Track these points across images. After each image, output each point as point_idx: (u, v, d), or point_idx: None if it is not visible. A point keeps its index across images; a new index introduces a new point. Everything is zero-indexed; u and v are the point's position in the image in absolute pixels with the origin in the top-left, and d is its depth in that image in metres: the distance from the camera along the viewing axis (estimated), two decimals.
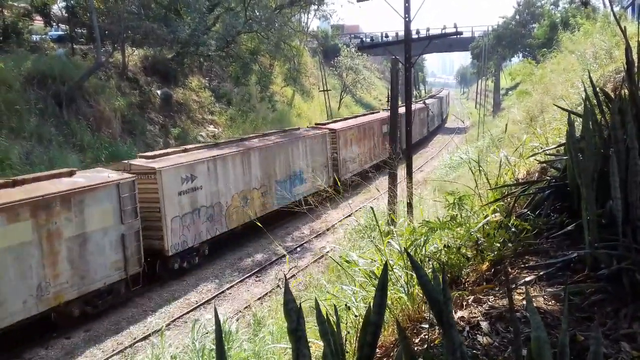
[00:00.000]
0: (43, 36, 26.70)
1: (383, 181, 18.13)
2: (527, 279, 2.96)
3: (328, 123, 30.01)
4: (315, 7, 41.83)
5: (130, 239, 14.44)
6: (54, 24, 29.04)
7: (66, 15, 27.48)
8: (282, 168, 22.15)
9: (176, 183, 16.11)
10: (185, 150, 18.00)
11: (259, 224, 7.78)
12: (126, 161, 16.26)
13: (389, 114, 34.20)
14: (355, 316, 3.63)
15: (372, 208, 5.06)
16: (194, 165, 16.95)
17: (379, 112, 41.26)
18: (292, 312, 1.78)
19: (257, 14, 29.94)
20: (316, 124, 30.58)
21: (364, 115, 38.37)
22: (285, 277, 2.24)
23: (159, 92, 28.15)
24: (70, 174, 13.86)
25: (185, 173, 16.48)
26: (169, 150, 18.61)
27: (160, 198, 15.53)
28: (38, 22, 28.24)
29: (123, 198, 14.14)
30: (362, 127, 31.83)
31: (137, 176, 15.07)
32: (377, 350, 2.97)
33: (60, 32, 28.42)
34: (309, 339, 1.83)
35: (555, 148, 4.58)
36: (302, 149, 23.95)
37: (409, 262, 3.54)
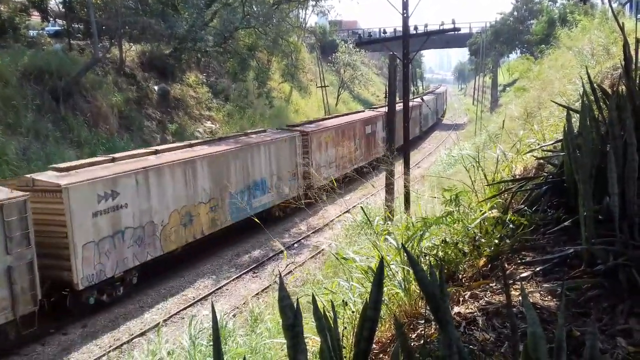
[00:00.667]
0: (40, 31, 26.61)
1: (381, 177, 18.13)
2: (524, 274, 2.96)
3: (302, 124, 27.64)
4: (313, 2, 41.87)
5: (20, 272, 11.75)
6: (51, 19, 28.96)
7: (63, 10, 27.38)
8: (238, 177, 19.35)
9: (90, 202, 13.42)
10: (112, 160, 15.34)
11: (257, 221, 7.75)
12: (30, 175, 13.63)
13: (384, 110, 33.24)
14: (352, 312, 3.64)
15: (362, 208, 5.07)
16: (117, 179, 14.23)
17: (363, 111, 38.79)
18: (287, 308, 1.78)
19: (255, 9, 29.90)
20: (287, 125, 27.74)
21: (346, 115, 35.21)
22: (280, 273, 2.23)
23: (156, 87, 28.08)
24: None
25: (103, 189, 13.81)
26: (94, 160, 15.92)
27: (67, 221, 12.86)
28: (35, 17, 28.14)
29: (8, 222, 11.50)
30: (341, 129, 28.89)
31: (42, 194, 12.84)
32: (374, 345, 2.97)
33: (57, 28, 28.34)
34: (306, 335, 1.83)
35: (552, 144, 4.58)
36: (264, 155, 21.07)
37: (405, 258, 3.54)
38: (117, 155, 16.28)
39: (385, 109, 33.69)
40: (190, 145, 18.62)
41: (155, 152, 16.86)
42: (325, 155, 26.47)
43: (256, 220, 7.47)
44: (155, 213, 15.57)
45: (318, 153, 25.62)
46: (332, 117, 32.60)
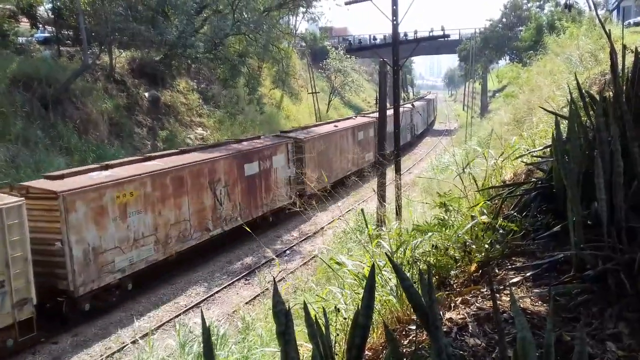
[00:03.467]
0: (29, 38, 26.47)
1: (373, 183, 18.17)
2: (514, 280, 2.98)
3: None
4: (304, 9, 41.90)
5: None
6: (40, 25, 28.80)
7: (52, 17, 27.27)
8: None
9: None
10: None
11: (247, 229, 7.75)
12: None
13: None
14: (344, 318, 3.64)
15: (362, 210, 5.07)
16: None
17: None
18: (281, 314, 1.78)
19: (245, 16, 29.92)
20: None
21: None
22: (274, 279, 2.23)
23: (146, 94, 28.00)
24: None
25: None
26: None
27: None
28: (24, 24, 27.99)
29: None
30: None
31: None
32: (367, 352, 2.97)
33: (46, 34, 28.21)
34: (298, 342, 1.83)
35: (541, 150, 4.62)
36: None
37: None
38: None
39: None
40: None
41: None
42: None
43: (247, 229, 7.45)
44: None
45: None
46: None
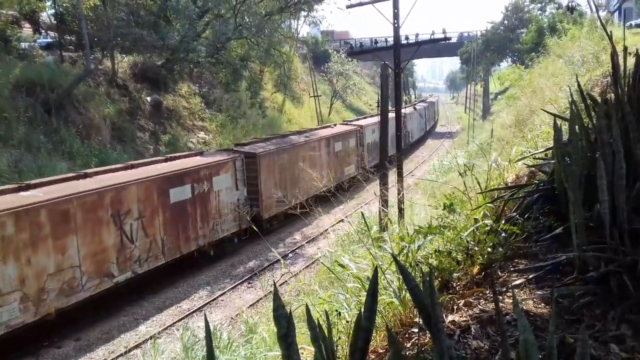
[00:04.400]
0: (32, 43, 26.57)
1: (375, 185, 18.15)
2: (517, 282, 2.98)
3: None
4: (305, 13, 41.97)
5: None
6: (43, 31, 28.93)
7: (55, 22, 27.39)
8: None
9: None
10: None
11: (256, 229, 7.77)
12: None
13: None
14: (347, 321, 3.64)
15: (362, 214, 5.08)
16: None
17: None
18: (282, 317, 1.78)
19: (247, 20, 29.98)
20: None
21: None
22: (275, 283, 2.24)
23: (148, 98, 28.07)
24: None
25: None
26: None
27: None
28: (27, 30, 28.11)
29: None
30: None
31: None
32: (370, 355, 2.97)
33: (49, 40, 28.32)
34: (300, 345, 1.84)
35: (543, 152, 4.62)
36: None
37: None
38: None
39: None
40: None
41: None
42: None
43: (255, 228, 7.45)
44: None
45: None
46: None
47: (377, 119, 36.22)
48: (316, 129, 29.83)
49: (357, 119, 37.29)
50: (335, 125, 32.79)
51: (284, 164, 22.51)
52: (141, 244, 15.02)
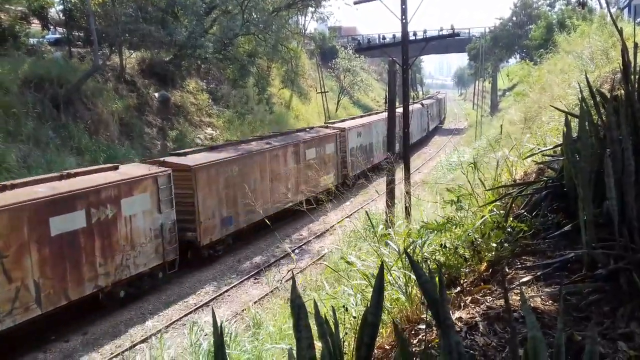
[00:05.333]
0: (40, 39, 26.70)
1: (381, 182, 18.14)
2: (525, 279, 2.96)
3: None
4: (313, 9, 41.90)
5: None
6: (51, 27, 29.05)
7: (63, 18, 27.49)
8: None
9: None
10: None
11: (268, 222, 7.75)
12: None
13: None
14: (354, 317, 3.64)
15: (367, 212, 5.08)
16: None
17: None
18: (299, 308, 1.79)
19: (255, 16, 29.98)
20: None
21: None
22: (293, 274, 2.24)
23: (156, 94, 28.15)
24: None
25: None
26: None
27: None
28: (35, 26, 28.24)
29: None
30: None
31: None
32: (377, 351, 2.97)
33: (57, 35, 28.45)
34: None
35: (552, 149, 4.59)
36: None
37: (407, 263, 3.55)
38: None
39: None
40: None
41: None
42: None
43: (267, 222, 7.46)
44: None
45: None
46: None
47: (367, 119, 33.81)
48: (286, 133, 26.06)
49: (343, 120, 33.56)
50: (312, 128, 28.79)
51: (233, 177, 18.71)
52: (3, 291, 11.42)
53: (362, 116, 39.57)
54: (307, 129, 27.85)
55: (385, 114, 38.62)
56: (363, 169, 26.10)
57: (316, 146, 25.10)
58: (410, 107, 17.21)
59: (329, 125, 30.27)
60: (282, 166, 22.06)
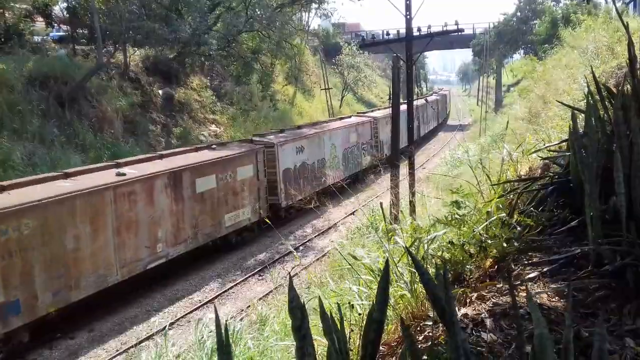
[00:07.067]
0: (44, 37, 26.75)
1: (386, 179, 18.11)
2: (531, 275, 2.95)
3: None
4: (316, 5, 41.87)
5: None
6: (55, 24, 29.08)
7: (67, 16, 27.52)
8: None
9: None
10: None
11: (268, 221, 7.77)
12: None
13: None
14: (359, 314, 3.63)
15: (381, 204, 5.06)
16: None
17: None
18: (297, 309, 1.78)
19: (258, 13, 29.96)
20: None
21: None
22: (290, 274, 2.24)
23: (160, 92, 28.18)
24: None
25: None
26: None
27: None
28: (39, 23, 28.29)
29: None
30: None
31: None
32: (383, 348, 2.97)
33: (61, 33, 28.47)
34: (312, 337, 1.83)
35: (557, 144, 4.57)
36: None
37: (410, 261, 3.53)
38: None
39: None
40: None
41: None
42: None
43: (267, 221, 7.46)
44: None
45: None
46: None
47: (315, 129, 26.14)
48: (169, 154, 17.32)
49: (314, 124, 28.53)
50: (213, 148, 18.92)
51: (34, 235, 11.45)
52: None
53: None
54: (213, 146, 19.24)
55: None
56: (308, 194, 20.51)
57: (221, 171, 17.75)
58: (415, 103, 17.12)
59: (256, 138, 21.47)
60: (143, 209, 14.55)
